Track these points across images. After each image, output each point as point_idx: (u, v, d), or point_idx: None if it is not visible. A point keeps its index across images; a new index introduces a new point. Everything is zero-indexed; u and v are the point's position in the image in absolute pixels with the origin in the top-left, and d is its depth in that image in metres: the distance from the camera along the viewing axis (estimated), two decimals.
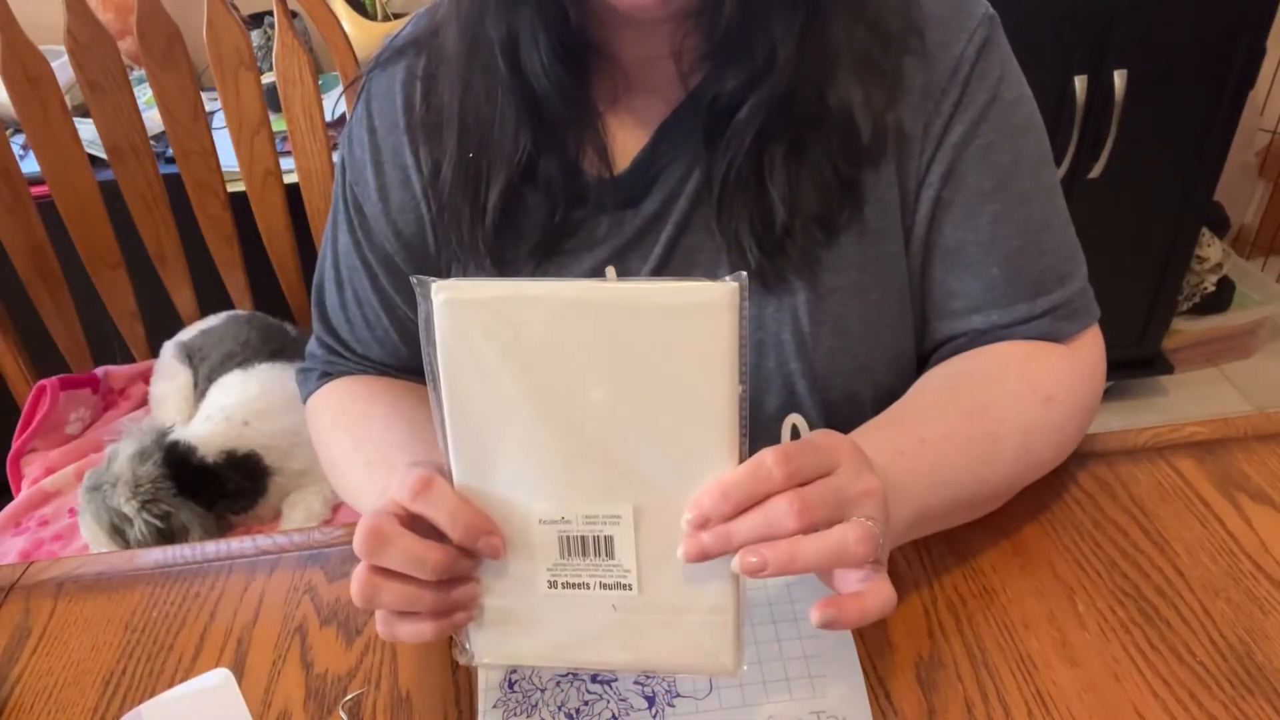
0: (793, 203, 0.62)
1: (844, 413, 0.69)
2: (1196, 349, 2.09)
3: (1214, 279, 2.06)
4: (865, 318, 0.67)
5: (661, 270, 0.67)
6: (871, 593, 0.47)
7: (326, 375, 0.77)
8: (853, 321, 0.66)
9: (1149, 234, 1.78)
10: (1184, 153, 1.69)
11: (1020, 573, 0.62)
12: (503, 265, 0.68)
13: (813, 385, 0.67)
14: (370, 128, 0.70)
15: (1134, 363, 1.98)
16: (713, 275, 0.66)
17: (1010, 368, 0.65)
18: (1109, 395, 2.02)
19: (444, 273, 0.71)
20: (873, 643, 0.58)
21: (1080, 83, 1.57)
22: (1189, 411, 2.01)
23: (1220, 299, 2.08)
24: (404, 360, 0.76)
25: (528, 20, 0.59)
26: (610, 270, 0.68)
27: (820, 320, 0.66)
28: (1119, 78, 1.57)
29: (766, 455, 0.45)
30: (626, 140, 0.67)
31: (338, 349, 0.77)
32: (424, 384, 0.77)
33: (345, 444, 0.71)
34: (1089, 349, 0.69)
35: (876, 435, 0.58)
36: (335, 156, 1.23)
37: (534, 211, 0.67)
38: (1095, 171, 1.65)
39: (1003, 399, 0.63)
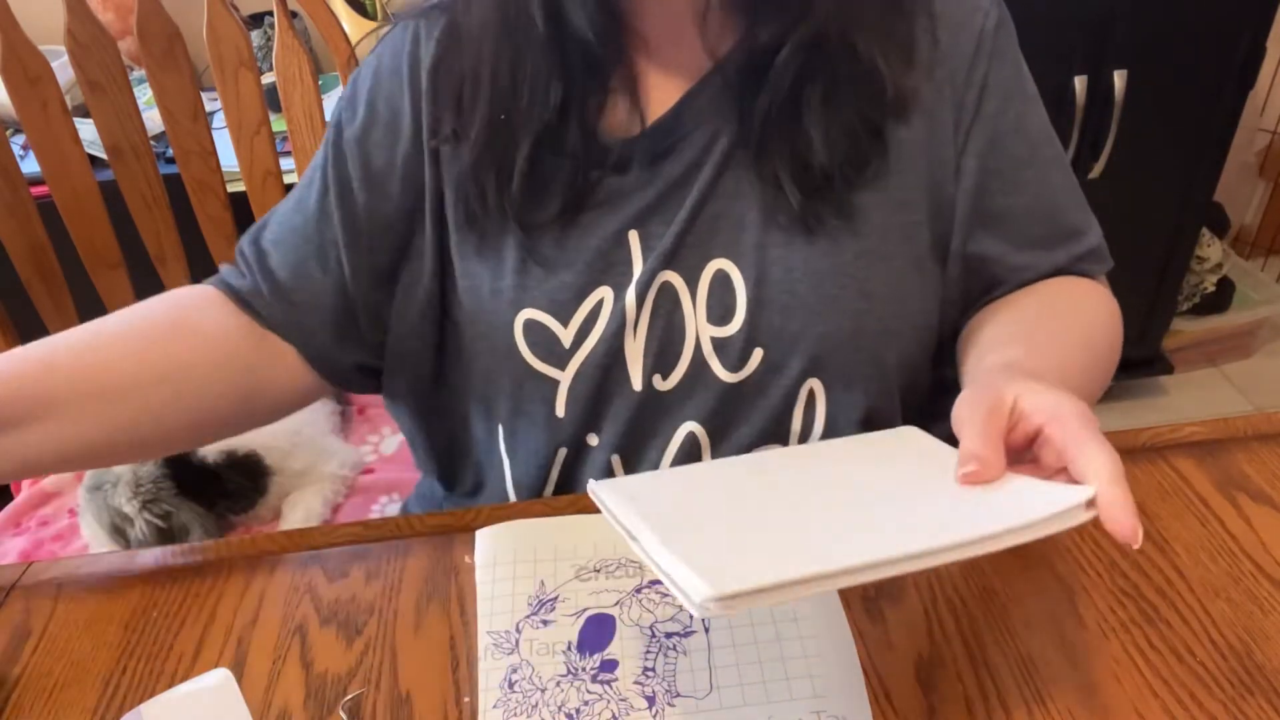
0: (830, 143, 0.65)
1: (869, 377, 0.71)
2: (1196, 349, 2.09)
3: (1214, 279, 2.06)
4: (889, 282, 0.69)
5: (685, 235, 0.68)
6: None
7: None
8: (877, 285, 0.68)
9: (1149, 234, 1.78)
10: (1184, 153, 1.69)
11: (1020, 573, 0.62)
12: (529, 229, 0.69)
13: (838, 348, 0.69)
14: (377, 68, 0.74)
15: (1134, 363, 1.98)
16: (736, 241, 0.68)
17: (1075, 300, 0.72)
18: (1109, 395, 2.01)
19: (404, 234, 0.73)
20: (873, 643, 0.58)
21: (1080, 83, 1.57)
22: (1189, 411, 2.00)
23: (1220, 299, 2.08)
24: (299, 283, 0.73)
25: None
26: (633, 235, 0.69)
27: (845, 283, 0.67)
28: (1119, 78, 1.56)
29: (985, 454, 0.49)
30: (649, 106, 0.68)
31: (244, 248, 0.75)
32: (278, 333, 0.74)
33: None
34: (1109, 292, 0.76)
35: (1036, 358, 0.61)
36: None
37: (558, 174, 0.68)
38: (1095, 171, 1.65)
39: (1089, 327, 0.71)
